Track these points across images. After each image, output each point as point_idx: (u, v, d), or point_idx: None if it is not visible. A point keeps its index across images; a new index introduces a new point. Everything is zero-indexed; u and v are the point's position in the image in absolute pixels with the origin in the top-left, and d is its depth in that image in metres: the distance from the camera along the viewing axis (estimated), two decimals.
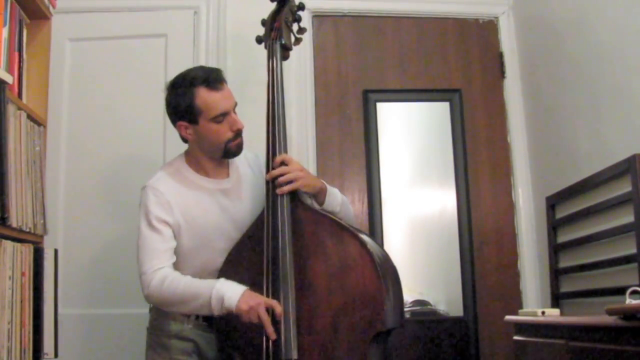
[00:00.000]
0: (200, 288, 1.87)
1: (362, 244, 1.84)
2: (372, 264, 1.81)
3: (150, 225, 1.94)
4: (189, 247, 1.99)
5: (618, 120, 2.23)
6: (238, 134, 2.01)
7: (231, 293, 1.82)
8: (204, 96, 1.94)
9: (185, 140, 2.06)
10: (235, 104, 2.02)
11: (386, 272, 1.85)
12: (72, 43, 2.84)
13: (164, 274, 1.90)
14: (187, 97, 1.94)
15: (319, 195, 2.00)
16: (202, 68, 2.04)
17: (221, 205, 2.04)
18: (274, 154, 1.97)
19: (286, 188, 1.92)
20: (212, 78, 1.96)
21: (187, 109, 1.95)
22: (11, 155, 1.89)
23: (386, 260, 1.93)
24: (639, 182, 1.96)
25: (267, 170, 1.97)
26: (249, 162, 2.15)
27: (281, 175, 1.92)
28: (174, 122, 2.02)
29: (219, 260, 1.99)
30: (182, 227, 1.98)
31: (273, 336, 1.79)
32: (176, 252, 1.99)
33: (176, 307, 1.93)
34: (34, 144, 2.10)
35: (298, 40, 2.23)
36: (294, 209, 1.92)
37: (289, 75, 2.89)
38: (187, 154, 2.09)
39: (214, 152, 2.03)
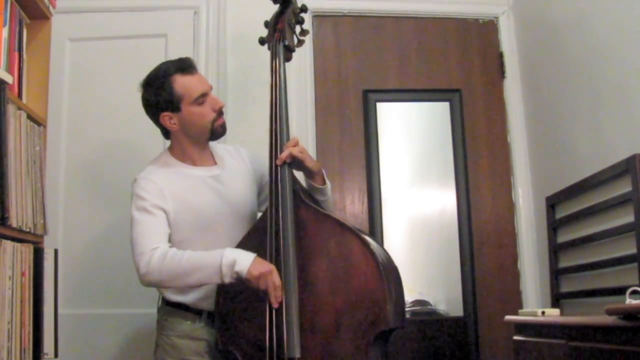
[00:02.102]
0: (207, 257, 1.84)
1: (365, 244, 1.85)
2: (374, 264, 1.81)
3: (144, 210, 1.94)
4: (189, 233, 1.99)
5: (618, 120, 2.23)
6: (220, 113, 2.06)
7: (242, 257, 1.82)
8: (181, 81, 2.00)
9: (167, 135, 2.10)
10: (211, 87, 2.08)
11: (388, 273, 1.85)
12: (72, 43, 2.84)
13: (164, 250, 1.87)
14: (166, 87, 1.99)
15: (318, 176, 2.03)
16: (171, 60, 2.08)
17: (215, 190, 2.06)
18: (277, 154, 1.98)
19: (293, 154, 1.95)
20: (184, 65, 2.02)
21: (168, 98, 2.00)
22: (11, 155, 1.89)
23: (388, 261, 1.94)
24: (639, 182, 1.96)
25: (271, 173, 1.97)
26: (231, 153, 2.20)
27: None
28: (156, 116, 2.05)
29: (218, 245, 1.97)
30: (178, 214, 1.98)
31: (275, 304, 1.80)
32: (176, 239, 1.98)
33: (178, 281, 1.88)
34: (34, 144, 2.09)
35: (301, 42, 2.24)
36: (296, 209, 1.93)
37: (289, 75, 2.86)
38: (171, 148, 2.12)
39: (200, 136, 2.07)
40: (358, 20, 3.06)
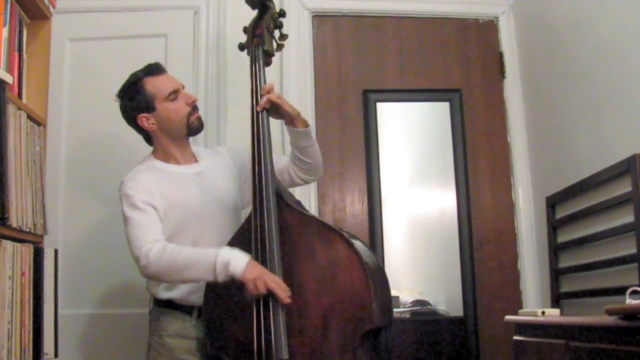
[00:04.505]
0: (203, 254, 1.87)
1: (349, 244, 1.86)
2: (359, 264, 1.82)
3: (136, 207, 1.97)
4: (177, 228, 2.02)
5: (618, 120, 2.23)
6: (195, 107, 2.13)
7: (236, 259, 1.83)
8: (151, 82, 2.09)
9: (149, 141, 2.16)
10: (182, 86, 2.14)
11: (373, 272, 1.86)
12: (72, 43, 2.84)
13: (163, 244, 1.91)
14: (139, 91, 2.08)
15: (298, 120, 2.09)
16: (139, 69, 2.15)
17: (200, 186, 2.10)
18: (259, 158, 1.98)
19: (272, 99, 2.02)
20: (152, 68, 2.12)
21: (142, 99, 2.08)
22: (11, 155, 1.89)
23: (373, 261, 1.95)
24: (639, 182, 1.96)
25: (253, 179, 1.97)
26: (210, 153, 2.27)
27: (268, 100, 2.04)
28: (134, 120, 2.11)
29: (206, 239, 2.01)
30: (167, 211, 2.01)
31: (287, 300, 1.80)
32: (165, 234, 2.00)
33: (176, 276, 1.91)
34: (34, 144, 2.09)
35: (280, 47, 2.26)
36: (280, 212, 1.94)
37: (289, 75, 2.90)
38: (154, 151, 2.18)
39: (179, 132, 2.12)
40: (358, 20, 3.06)
